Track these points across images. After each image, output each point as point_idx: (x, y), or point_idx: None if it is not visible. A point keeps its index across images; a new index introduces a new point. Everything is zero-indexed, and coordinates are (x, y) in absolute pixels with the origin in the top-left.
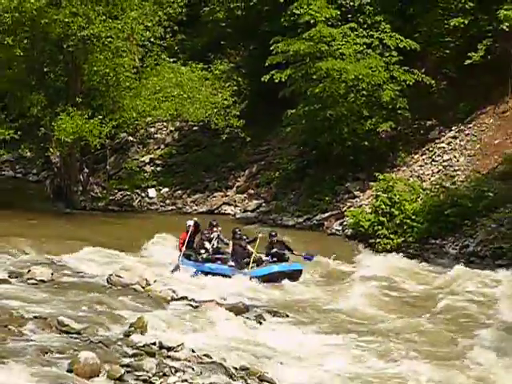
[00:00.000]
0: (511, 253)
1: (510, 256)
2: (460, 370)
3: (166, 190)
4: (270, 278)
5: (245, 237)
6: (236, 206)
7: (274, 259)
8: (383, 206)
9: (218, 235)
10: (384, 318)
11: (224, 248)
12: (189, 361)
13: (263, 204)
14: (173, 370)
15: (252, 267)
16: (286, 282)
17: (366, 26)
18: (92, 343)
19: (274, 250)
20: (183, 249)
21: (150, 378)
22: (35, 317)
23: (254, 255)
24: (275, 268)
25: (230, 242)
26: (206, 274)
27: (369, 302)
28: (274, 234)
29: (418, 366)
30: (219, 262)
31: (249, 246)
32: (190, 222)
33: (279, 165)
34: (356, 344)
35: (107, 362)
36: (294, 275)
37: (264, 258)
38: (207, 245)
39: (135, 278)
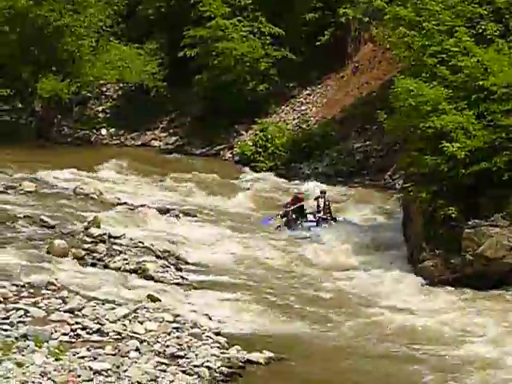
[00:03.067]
0: (347, 172)
1: (346, 174)
2: None
3: (113, 129)
4: None
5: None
6: (160, 140)
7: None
8: (260, 141)
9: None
10: (260, 215)
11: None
12: (128, 246)
13: (179, 139)
14: (117, 252)
15: None
16: (189, 188)
17: (249, 19)
18: (63, 234)
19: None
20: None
21: (102, 257)
22: (24, 216)
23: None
24: None
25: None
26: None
27: (250, 203)
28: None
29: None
30: None
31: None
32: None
33: (190, 112)
34: (242, 233)
35: (73, 246)
36: None
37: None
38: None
39: (92, 190)
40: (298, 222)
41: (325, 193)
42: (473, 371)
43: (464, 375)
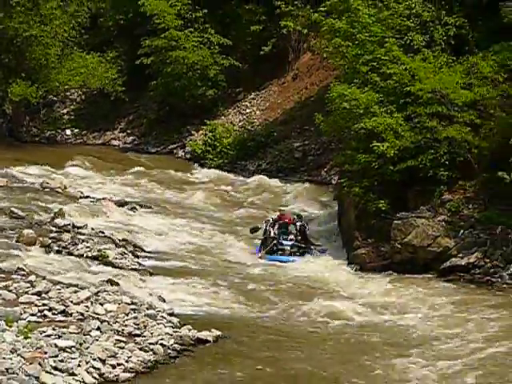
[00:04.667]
0: (287, 169)
1: (287, 171)
2: None
3: (77, 130)
4: None
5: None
6: (119, 140)
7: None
8: (209, 140)
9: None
10: (210, 207)
11: None
12: (90, 235)
13: (136, 139)
14: (80, 241)
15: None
16: (146, 183)
17: (199, 30)
18: (31, 224)
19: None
20: None
21: (66, 245)
22: None
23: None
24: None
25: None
26: None
27: (201, 196)
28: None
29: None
30: None
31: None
32: None
33: (146, 114)
34: (194, 224)
35: (40, 235)
36: None
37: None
38: None
39: (58, 184)
40: (276, 242)
41: (301, 217)
42: (403, 346)
43: (395, 351)
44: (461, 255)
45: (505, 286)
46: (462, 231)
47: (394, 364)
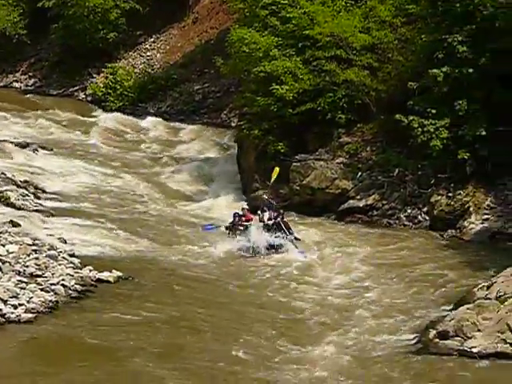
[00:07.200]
0: (187, 111)
1: (187, 113)
2: None
3: None
4: None
5: None
6: (21, 82)
7: None
8: (110, 83)
9: None
10: (110, 149)
11: None
12: None
13: (38, 81)
14: None
15: None
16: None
17: None
18: None
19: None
20: None
21: None
22: None
23: None
24: None
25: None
26: None
27: (102, 138)
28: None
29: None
30: None
31: None
32: None
33: (48, 57)
34: (96, 165)
35: None
36: None
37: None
38: None
39: None
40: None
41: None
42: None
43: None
44: (359, 197)
45: (402, 227)
46: (360, 173)
47: (290, 287)
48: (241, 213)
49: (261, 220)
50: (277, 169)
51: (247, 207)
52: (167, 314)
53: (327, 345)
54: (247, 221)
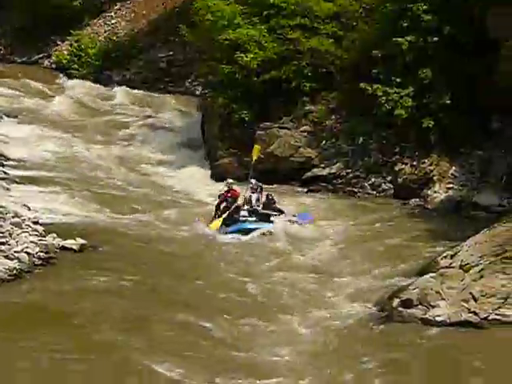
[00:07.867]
0: (152, 79)
1: (151, 81)
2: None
3: None
4: None
5: None
6: None
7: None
8: (75, 51)
9: None
10: (75, 116)
11: None
12: None
13: (1, 49)
14: None
15: None
16: (11, 92)
17: None
18: None
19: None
20: None
21: None
22: None
23: None
24: None
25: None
26: None
27: (67, 106)
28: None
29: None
30: None
31: None
32: None
33: (11, 24)
34: (60, 133)
35: None
36: None
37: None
38: None
39: None
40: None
41: (261, 188)
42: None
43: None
44: (323, 165)
45: (366, 195)
46: (324, 142)
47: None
48: (226, 188)
49: (247, 202)
50: (257, 147)
51: (231, 180)
52: (134, 284)
53: (290, 319)
54: (234, 197)
